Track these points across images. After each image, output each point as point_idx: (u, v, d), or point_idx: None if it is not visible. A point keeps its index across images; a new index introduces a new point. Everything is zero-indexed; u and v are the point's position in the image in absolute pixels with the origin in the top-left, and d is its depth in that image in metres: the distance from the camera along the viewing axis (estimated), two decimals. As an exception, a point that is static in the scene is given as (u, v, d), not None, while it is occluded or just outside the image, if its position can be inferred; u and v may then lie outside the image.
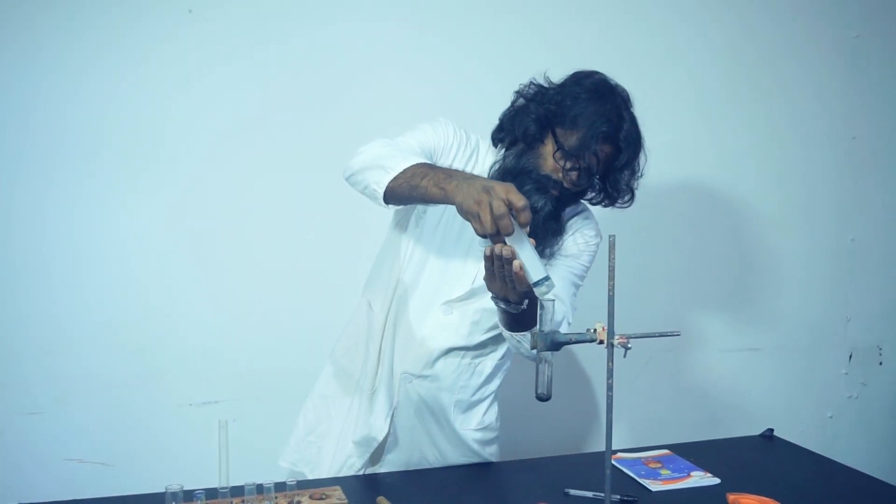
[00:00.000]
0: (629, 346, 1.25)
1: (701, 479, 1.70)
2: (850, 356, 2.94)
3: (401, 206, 1.64)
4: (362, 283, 1.89)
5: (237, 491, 1.27)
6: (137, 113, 2.23)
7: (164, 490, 1.24)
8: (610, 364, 1.27)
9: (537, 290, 1.30)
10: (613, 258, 1.25)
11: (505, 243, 1.31)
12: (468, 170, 1.69)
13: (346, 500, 1.27)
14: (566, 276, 1.70)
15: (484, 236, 1.32)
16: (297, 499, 1.26)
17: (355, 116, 2.34)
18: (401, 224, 1.76)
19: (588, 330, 1.28)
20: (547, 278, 1.30)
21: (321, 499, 1.27)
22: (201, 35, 2.25)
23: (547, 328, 1.27)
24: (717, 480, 1.68)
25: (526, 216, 1.29)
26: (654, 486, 1.66)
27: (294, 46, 2.32)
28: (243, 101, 2.29)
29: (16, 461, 2.16)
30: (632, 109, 1.66)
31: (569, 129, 1.60)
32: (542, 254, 1.64)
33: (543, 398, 1.28)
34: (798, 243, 2.85)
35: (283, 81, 2.32)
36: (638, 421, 2.60)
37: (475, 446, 1.79)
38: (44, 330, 2.20)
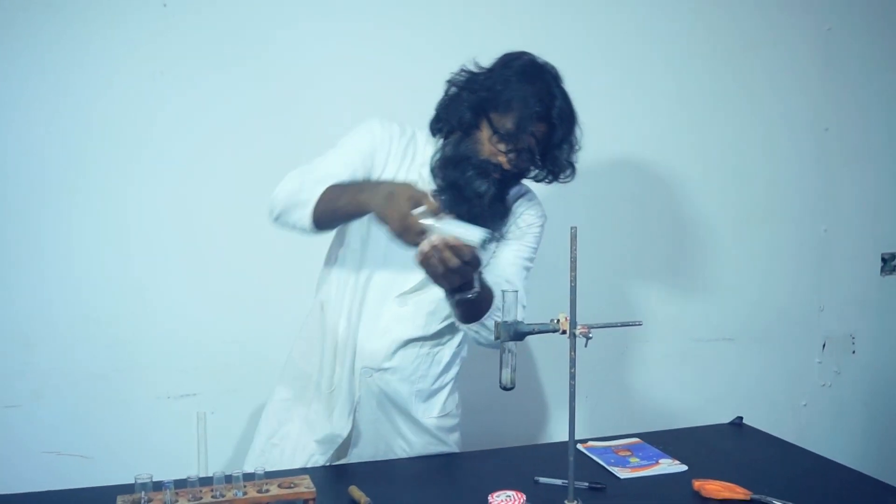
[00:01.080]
0: (590, 335, 1.28)
1: (669, 466, 1.73)
2: (824, 345, 2.98)
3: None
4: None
5: (206, 481, 1.29)
6: (122, 107, 2.24)
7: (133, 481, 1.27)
8: (572, 353, 1.29)
9: (484, 250, 1.35)
10: (575, 249, 1.28)
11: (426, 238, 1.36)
12: (406, 163, 1.72)
13: (314, 489, 1.29)
14: (514, 259, 1.75)
15: (399, 238, 1.39)
16: (265, 487, 1.28)
17: (335, 112, 2.33)
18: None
19: (551, 320, 1.31)
20: (487, 232, 1.34)
21: (290, 487, 1.29)
22: (192, 31, 2.27)
23: (510, 318, 1.29)
24: (684, 467, 1.71)
25: (431, 203, 1.36)
26: (623, 473, 1.69)
27: (280, 42, 2.34)
28: (228, 98, 2.31)
29: (-8, 454, 2.18)
30: (562, 86, 1.68)
31: (503, 113, 1.63)
32: (491, 237, 1.63)
33: (507, 388, 1.31)
34: (771, 234, 2.88)
35: (269, 80, 2.34)
36: (612, 411, 2.64)
37: (439, 434, 1.82)
38: (21, 323, 2.21)
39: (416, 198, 1.37)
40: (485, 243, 1.35)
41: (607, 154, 2.66)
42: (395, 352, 1.73)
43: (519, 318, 1.49)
